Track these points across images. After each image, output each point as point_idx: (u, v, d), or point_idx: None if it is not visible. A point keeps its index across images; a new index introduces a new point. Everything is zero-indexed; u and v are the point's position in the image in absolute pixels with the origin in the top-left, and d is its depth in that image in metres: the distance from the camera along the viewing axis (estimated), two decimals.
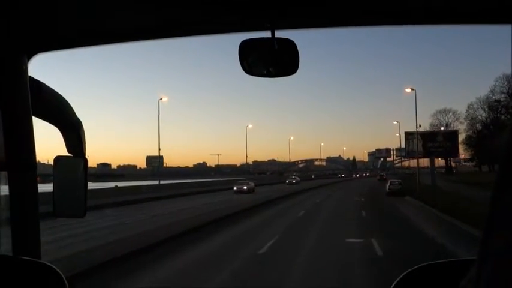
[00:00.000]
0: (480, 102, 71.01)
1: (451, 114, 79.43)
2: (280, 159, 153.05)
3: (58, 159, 1.63)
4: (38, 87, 1.55)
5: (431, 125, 74.74)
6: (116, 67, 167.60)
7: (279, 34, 1.41)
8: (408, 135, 47.16)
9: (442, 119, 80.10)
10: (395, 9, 1.44)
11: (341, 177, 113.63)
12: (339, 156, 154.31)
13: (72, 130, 1.66)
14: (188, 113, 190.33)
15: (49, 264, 1.41)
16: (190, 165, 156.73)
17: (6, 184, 1.52)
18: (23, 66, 1.52)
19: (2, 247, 1.58)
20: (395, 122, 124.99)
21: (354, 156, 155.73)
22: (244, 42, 1.44)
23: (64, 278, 1.38)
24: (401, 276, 1.27)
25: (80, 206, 1.63)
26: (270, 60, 1.46)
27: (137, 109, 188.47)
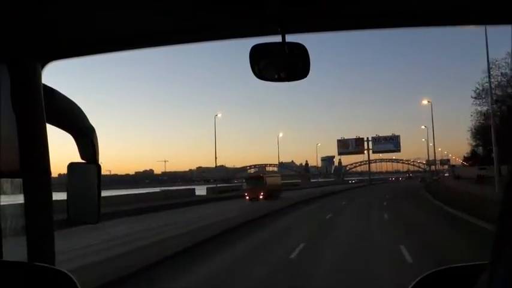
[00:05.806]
0: None
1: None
2: (230, 164, 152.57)
3: (71, 165, 1.71)
4: (52, 94, 1.64)
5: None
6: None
7: (290, 38, 1.47)
8: None
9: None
10: (406, 10, 1.50)
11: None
12: (292, 161, 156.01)
13: (85, 137, 1.74)
14: (137, 119, 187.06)
15: (64, 270, 1.49)
16: (132, 172, 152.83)
17: (21, 191, 1.59)
18: (36, 74, 1.61)
19: (17, 253, 1.64)
20: (425, 101, 70.23)
21: (306, 161, 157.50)
22: (255, 47, 1.48)
23: (78, 284, 1.47)
24: (416, 281, 1.28)
25: (94, 213, 1.72)
26: (281, 65, 1.51)
27: None
